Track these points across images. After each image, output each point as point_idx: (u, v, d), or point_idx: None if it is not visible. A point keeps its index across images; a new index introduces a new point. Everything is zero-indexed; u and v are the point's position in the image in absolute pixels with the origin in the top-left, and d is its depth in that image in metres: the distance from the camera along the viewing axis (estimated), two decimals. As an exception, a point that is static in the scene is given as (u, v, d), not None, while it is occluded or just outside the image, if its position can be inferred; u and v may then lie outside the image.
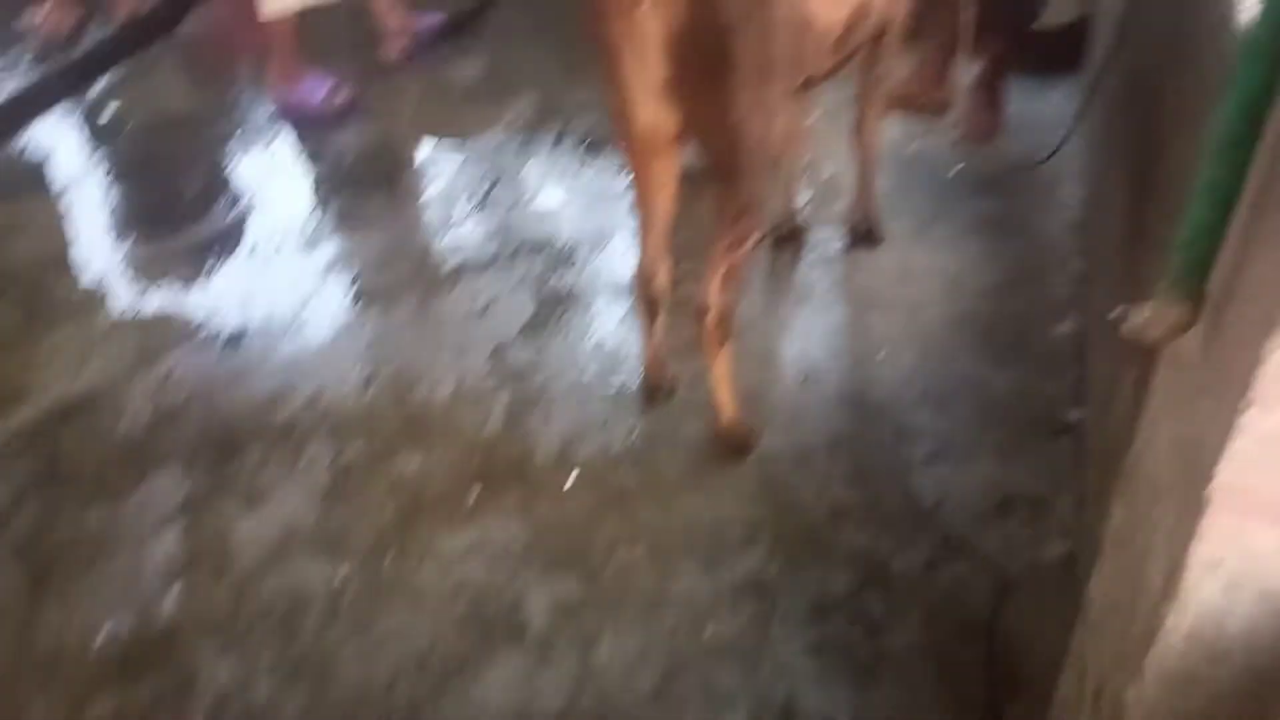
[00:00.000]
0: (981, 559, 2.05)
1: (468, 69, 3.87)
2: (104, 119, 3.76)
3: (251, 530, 2.21)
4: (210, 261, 3.01)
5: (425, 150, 3.49)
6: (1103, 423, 2.00)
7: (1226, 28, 1.40)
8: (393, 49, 3.88)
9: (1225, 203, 0.91)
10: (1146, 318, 0.99)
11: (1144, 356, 1.55)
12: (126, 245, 3.11)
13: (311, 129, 3.57)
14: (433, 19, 4.00)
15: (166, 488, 2.32)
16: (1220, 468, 0.89)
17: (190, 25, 4.35)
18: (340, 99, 3.61)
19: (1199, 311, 0.97)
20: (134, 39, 4.14)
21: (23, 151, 3.57)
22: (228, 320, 2.78)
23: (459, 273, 2.90)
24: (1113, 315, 1.03)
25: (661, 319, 2.35)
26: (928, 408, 2.38)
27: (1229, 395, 0.89)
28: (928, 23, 3.12)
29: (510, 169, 3.33)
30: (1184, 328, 0.98)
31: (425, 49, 3.93)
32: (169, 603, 2.07)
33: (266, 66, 3.62)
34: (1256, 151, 0.90)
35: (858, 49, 2.22)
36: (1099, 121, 2.77)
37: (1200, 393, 0.99)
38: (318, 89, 3.60)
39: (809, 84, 2.16)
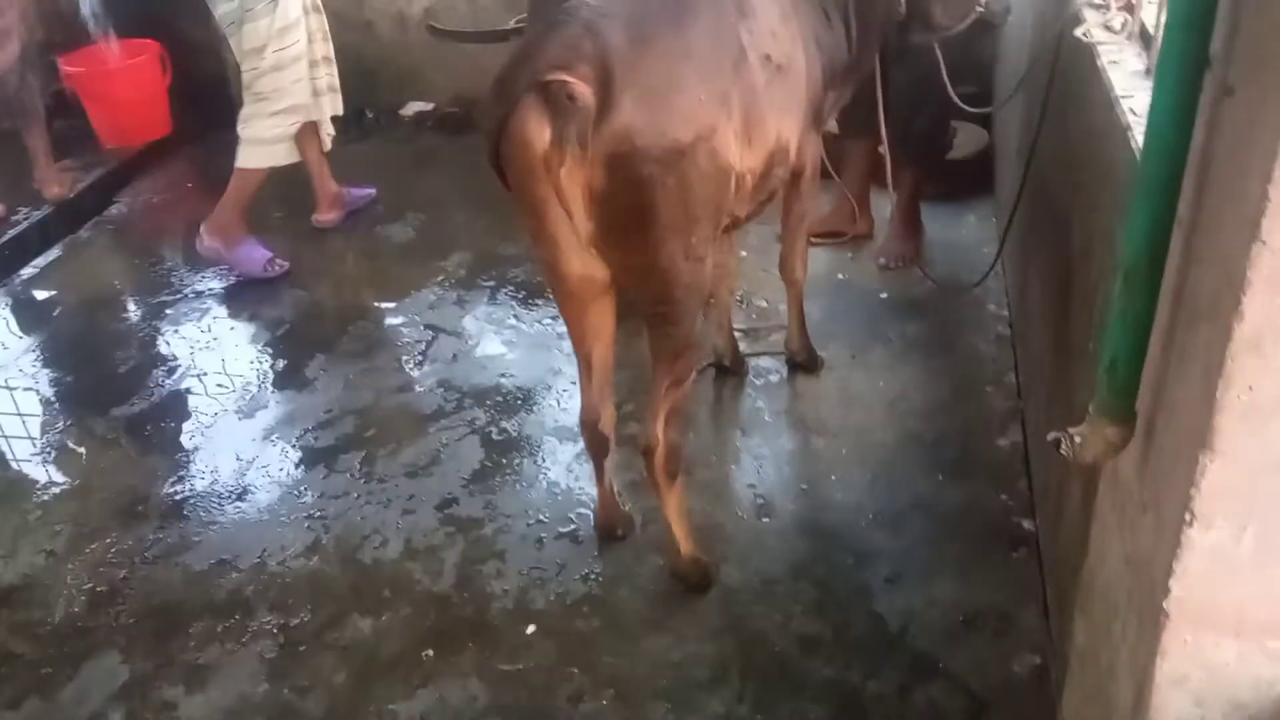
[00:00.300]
0: (954, 679, 2.02)
1: (400, 231, 3.95)
2: (36, 301, 3.73)
3: (197, 711, 2.10)
4: (147, 435, 2.96)
5: (363, 309, 3.52)
6: (1056, 533, 2.03)
7: (1120, 153, 1.50)
8: (326, 216, 3.96)
9: (1140, 327, 0.95)
10: (1081, 440, 1.02)
11: (1087, 470, 1.59)
12: (59, 425, 3.05)
13: (246, 290, 3.60)
14: (365, 191, 4.10)
15: (105, 672, 2.21)
16: (1173, 584, 0.91)
17: (120, 205, 4.40)
18: (278, 269, 3.66)
19: (1131, 431, 1.00)
20: (64, 221, 4.16)
21: (-49, 334, 3.52)
22: (166, 493, 2.71)
23: (404, 427, 2.89)
24: (1049, 438, 1.06)
25: (611, 459, 2.35)
26: (883, 529, 2.39)
27: (1170, 512, 0.91)
28: (844, 160, 3.29)
29: (449, 322, 3.36)
30: (1118, 448, 1.01)
31: (357, 216, 4.03)
32: (111, 799, 1.95)
33: (207, 219, 3.66)
34: (1162, 276, 0.95)
35: (777, 189, 2.31)
36: (1016, 240, 2.91)
37: (1143, 510, 1.01)
38: (257, 256, 3.64)
39: (733, 225, 2.24)
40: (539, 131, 1.72)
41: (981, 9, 2.54)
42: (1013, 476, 2.50)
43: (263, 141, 3.54)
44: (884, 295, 3.25)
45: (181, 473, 2.78)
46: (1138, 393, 0.97)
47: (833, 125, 3.14)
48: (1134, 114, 1.55)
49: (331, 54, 3.66)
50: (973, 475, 2.52)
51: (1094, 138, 1.80)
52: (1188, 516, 0.87)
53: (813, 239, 3.19)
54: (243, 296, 3.62)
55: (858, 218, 3.48)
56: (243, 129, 3.54)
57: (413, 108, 4.91)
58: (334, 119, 3.77)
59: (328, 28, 3.63)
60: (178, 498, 2.69)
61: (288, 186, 3.98)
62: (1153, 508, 0.97)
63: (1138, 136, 1.47)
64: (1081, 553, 1.41)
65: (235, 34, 3.41)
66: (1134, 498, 1.04)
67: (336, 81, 3.71)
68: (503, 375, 3.06)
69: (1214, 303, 0.84)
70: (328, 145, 3.81)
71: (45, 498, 2.74)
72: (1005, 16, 2.69)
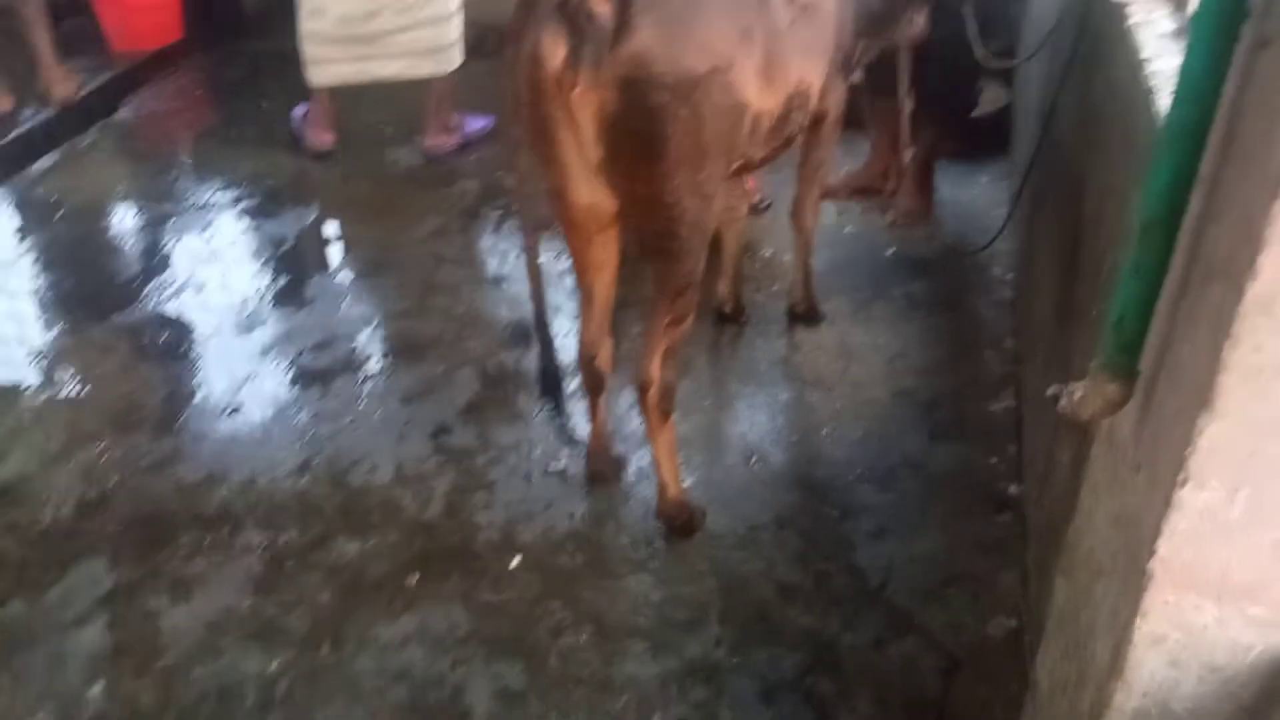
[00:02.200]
0: (929, 636, 2.04)
1: (408, 155, 3.91)
2: (38, 202, 3.70)
3: (180, 621, 2.12)
4: (145, 344, 2.95)
5: (365, 232, 3.49)
6: (1042, 498, 2.03)
7: (1143, 116, 1.47)
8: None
9: (1152, 283, 0.94)
10: (1080, 396, 1.01)
11: (1079, 433, 1.59)
12: (57, 329, 3.04)
13: (247, 205, 3.56)
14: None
15: (91, 577, 2.22)
16: (1159, 544, 0.90)
17: (127, 111, 4.34)
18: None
19: (1131, 390, 1.00)
20: (70, 124, 4.11)
21: (-50, 232, 3.50)
22: (160, 404, 2.71)
23: (401, 353, 2.88)
24: (1049, 393, 1.05)
25: (605, 397, 2.35)
26: (871, 484, 2.40)
27: (1164, 471, 0.91)
28: (871, 113, 3.24)
29: (452, 251, 3.33)
30: (1117, 406, 1.00)
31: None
32: (93, 697, 1.97)
33: (428, 133, 3.90)
34: (1179, 232, 0.94)
35: (795, 135, 2.27)
36: (1025, 204, 2.87)
37: (1136, 469, 1.01)
38: (479, 125, 3.92)
39: (747, 168, 2.20)
40: (554, 49, 1.70)
41: None
42: (1003, 440, 2.50)
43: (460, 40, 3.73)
44: (890, 251, 3.23)
45: (177, 384, 2.78)
46: (1142, 350, 0.96)
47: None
48: (1159, 78, 1.52)
49: None
50: (964, 437, 2.52)
51: (1116, 98, 1.77)
52: (1181, 476, 0.86)
53: (851, 196, 3.18)
54: (244, 211, 3.60)
55: (890, 176, 3.44)
56: (446, 32, 3.64)
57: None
58: None
59: None
60: (172, 409, 2.69)
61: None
62: (1147, 467, 0.96)
63: (1161, 100, 1.44)
64: (1067, 516, 1.41)
65: None
66: (1128, 457, 1.04)
67: None
68: (503, 308, 3.05)
69: (1229, 261, 0.82)
70: None
71: (40, 400, 2.73)
72: None
